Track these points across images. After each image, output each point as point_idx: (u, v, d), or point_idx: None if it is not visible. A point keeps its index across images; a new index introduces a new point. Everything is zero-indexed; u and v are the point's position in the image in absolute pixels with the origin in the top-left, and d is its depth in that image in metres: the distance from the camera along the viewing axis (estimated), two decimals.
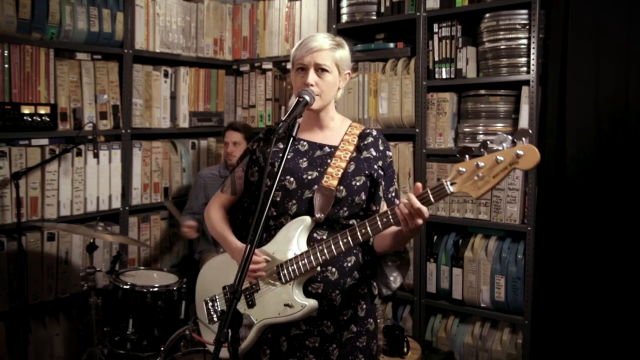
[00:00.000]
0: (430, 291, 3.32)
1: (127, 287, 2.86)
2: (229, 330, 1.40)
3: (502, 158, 1.48)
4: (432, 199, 1.56)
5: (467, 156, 1.53)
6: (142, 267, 3.36)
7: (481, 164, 1.51)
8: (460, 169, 1.54)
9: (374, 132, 1.91)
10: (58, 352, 3.19)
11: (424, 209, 1.55)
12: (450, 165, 3.19)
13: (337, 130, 1.90)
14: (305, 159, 1.83)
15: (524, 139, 1.47)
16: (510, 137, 1.48)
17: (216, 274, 1.94)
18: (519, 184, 3.00)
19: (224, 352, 1.47)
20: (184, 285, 2.97)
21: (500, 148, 1.49)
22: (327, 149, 1.85)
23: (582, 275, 2.84)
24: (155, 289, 2.87)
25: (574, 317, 2.86)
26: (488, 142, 1.51)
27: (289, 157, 1.83)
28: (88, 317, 3.08)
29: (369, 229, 1.65)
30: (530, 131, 1.51)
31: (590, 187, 2.82)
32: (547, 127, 2.93)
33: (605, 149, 2.78)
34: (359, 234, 1.66)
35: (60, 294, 3.17)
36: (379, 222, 1.63)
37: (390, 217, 1.61)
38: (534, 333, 2.99)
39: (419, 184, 1.59)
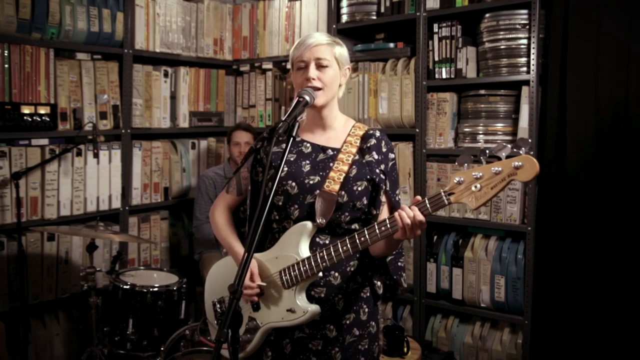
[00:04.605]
0: (430, 291, 3.32)
1: (127, 287, 2.86)
2: (229, 330, 1.40)
3: (499, 169, 1.44)
4: (430, 209, 1.56)
5: (465, 165, 1.50)
6: (142, 267, 3.35)
7: (479, 174, 1.47)
8: (458, 179, 1.51)
9: (377, 134, 1.87)
10: (58, 352, 3.19)
11: (424, 220, 1.56)
12: (451, 166, 3.20)
13: (340, 131, 1.88)
14: (308, 162, 1.82)
15: (523, 148, 1.42)
16: (509, 146, 1.45)
17: (224, 275, 1.94)
18: (519, 184, 3.00)
19: (225, 352, 1.47)
20: (184, 285, 2.97)
21: (500, 157, 1.44)
22: (330, 152, 1.83)
23: (582, 275, 2.84)
24: (155, 289, 2.87)
25: (574, 317, 2.86)
26: (487, 150, 1.47)
27: (291, 159, 1.83)
28: (88, 317, 3.09)
29: (367, 237, 1.65)
30: (529, 140, 1.46)
31: (590, 187, 2.82)
32: (547, 127, 2.93)
33: (605, 149, 2.78)
34: (357, 242, 1.66)
35: (60, 294, 3.16)
36: (377, 231, 1.63)
37: (389, 226, 1.61)
38: (534, 333, 2.99)
39: (419, 197, 1.60)
